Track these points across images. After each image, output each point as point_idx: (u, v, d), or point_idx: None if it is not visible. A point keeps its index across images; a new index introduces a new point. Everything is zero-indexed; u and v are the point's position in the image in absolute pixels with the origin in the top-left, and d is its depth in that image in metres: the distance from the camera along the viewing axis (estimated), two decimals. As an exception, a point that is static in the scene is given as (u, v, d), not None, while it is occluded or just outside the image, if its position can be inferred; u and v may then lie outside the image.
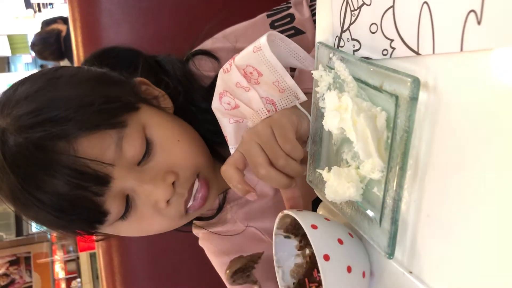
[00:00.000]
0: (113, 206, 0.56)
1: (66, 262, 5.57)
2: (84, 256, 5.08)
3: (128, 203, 0.58)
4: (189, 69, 0.73)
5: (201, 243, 0.79)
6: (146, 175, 0.56)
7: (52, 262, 5.94)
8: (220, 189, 0.70)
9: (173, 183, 0.58)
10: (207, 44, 0.78)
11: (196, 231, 0.80)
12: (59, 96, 0.55)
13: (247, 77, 0.52)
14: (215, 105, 0.57)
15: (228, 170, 0.51)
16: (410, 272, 0.41)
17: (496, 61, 0.30)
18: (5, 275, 6.11)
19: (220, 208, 0.74)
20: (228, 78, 0.53)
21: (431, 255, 0.39)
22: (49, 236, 5.50)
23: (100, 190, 0.53)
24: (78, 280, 5.91)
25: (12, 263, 6.19)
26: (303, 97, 0.52)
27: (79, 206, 0.53)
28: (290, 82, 0.51)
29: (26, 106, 0.53)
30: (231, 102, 0.55)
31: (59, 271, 6.21)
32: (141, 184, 0.56)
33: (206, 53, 0.74)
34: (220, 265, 0.75)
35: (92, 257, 4.96)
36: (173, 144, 0.59)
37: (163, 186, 0.56)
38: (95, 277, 5.74)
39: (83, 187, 0.52)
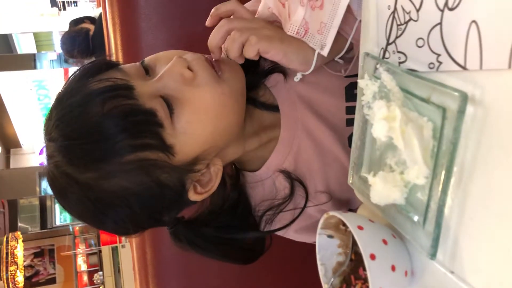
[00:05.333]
0: (153, 104, 0.59)
1: (88, 255, 5.70)
2: (106, 250, 5.18)
3: (167, 103, 0.60)
4: None
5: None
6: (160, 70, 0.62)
7: (75, 255, 6.08)
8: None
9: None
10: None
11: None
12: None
13: None
14: None
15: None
16: (452, 272, 0.44)
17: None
18: (30, 266, 6.26)
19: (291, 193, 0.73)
20: None
21: (473, 256, 0.42)
22: (71, 229, 5.63)
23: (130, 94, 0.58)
24: (100, 273, 6.04)
25: (36, 255, 6.35)
26: (325, 53, 0.61)
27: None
28: (332, 32, 0.60)
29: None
30: None
31: (82, 264, 6.34)
32: (160, 74, 0.62)
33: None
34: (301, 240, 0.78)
35: (114, 251, 5.05)
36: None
37: (174, 60, 0.61)
38: (116, 270, 5.85)
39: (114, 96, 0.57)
